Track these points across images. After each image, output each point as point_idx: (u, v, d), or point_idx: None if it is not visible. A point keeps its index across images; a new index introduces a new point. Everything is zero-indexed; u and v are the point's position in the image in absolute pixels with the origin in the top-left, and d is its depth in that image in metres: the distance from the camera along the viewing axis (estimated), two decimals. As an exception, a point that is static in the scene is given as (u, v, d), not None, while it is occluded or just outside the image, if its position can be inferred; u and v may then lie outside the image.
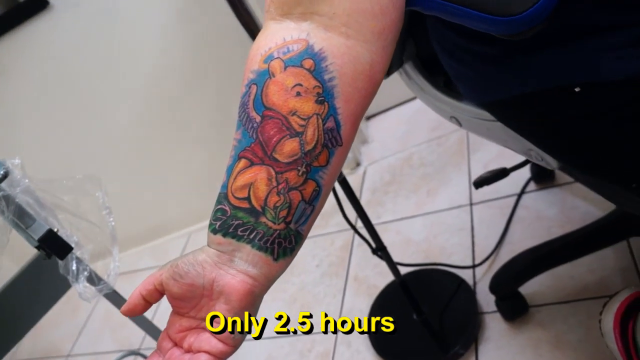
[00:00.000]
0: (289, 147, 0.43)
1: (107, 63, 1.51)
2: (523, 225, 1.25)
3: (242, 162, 0.44)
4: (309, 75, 0.43)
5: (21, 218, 0.73)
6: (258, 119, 0.44)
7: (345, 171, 1.71)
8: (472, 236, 1.29)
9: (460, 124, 0.83)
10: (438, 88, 0.85)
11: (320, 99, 0.43)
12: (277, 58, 0.44)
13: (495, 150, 1.44)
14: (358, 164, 1.72)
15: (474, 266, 1.22)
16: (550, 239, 1.07)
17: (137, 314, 0.50)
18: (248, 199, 0.44)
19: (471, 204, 1.37)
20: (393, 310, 1.22)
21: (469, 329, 1.09)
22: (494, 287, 1.09)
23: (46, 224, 0.74)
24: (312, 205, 0.45)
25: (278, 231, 0.44)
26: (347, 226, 1.52)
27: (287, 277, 1.47)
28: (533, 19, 0.45)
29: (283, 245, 0.45)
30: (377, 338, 1.19)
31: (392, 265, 1.11)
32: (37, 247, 0.73)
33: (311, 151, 0.43)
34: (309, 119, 0.43)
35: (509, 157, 1.39)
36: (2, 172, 0.67)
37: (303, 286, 1.44)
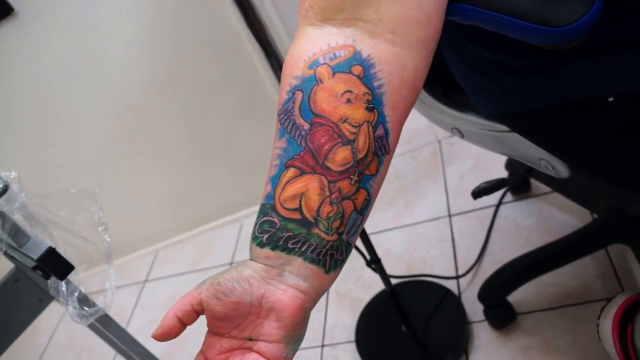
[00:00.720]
0: (341, 155, 0.42)
1: (73, 74, 1.45)
2: (503, 235, 1.28)
3: (291, 172, 0.42)
4: (358, 81, 0.42)
5: (16, 236, 0.68)
6: (306, 126, 0.42)
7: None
8: (454, 247, 1.31)
9: (462, 135, 0.84)
10: (438, 99, 0.86)
11: (370, 106, 0.42)
12: (323, 64, 0.42)
13: (471, 162, 1.48)
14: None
15: (457, 277, 1.24)
16: (535, 248, 1.10)
17: (171, 338, 0.46)
18: (299, 209, 0.42)
19: (450, 216, 1.39)
20: (380, 323, 1.22)
21: (459, 339, 1.10)
22: (483, 296, 1.10)
23: (42, 242, 0.69)
24: (362, 215, 0.44)
25: (331, 242, 0.42)
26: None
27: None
28: (581, 30, 0.46)
29: (335, 257, 0.43)
30: (365, 352, 1.18)
31: (385, 278, 1.10)
32: (35, 267, 0.68)
33: (363, 159, 0.42)
34: (360, 127, 0.42)
35: (485, 169, 1.44)
36: (1, 186, 0.62)
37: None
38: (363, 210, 0.44)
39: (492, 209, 1.34)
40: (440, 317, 1.17)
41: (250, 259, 0.44)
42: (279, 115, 0.44)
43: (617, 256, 1.11)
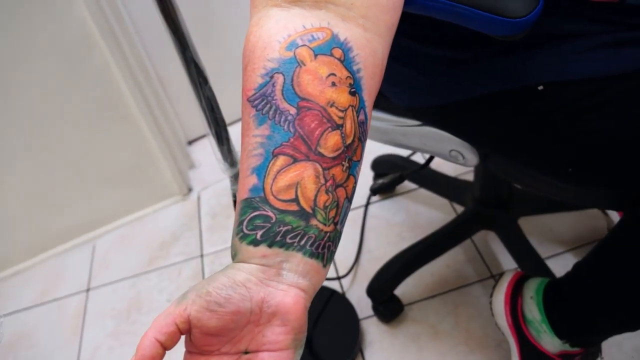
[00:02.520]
0: (332, 141, 0.40)
1: None
2: (376, 234, 1.34)
3: (281, 160, 0.39)
4: (340, 65, 0.41)
5: None
6: (293, 110, 0.40)
7: (176, 197, 1.61)
8: (332, 249, 1.34)
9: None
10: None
11: (352, 90, 0.41)
12: (303, 45, 0.41)
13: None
14: (190, 190, 1.64)
15: (339, 277, 1.26)
16: (414, 243, 1.17)
17: None
18: (296, 200, 0.39)
19: (323, 219, 1.42)
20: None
21: (353, 338, 1.12)
22: (373, 293, 1.14)
23: None
24: (350, 203, 0.43)
25: (328, 233, 0.40)
26: (194, 254, 1.44)
27: (134, 316, 1.32)
28: (532, 22, 0.51)
29: (331, 249, 0.41)
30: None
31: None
32: None
33: (351, 145, 0.41)
34: (346, 111, 0.41)
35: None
36: None
37: (156, 325, 1.30)
38: (351, 198, 0.42)
39: (362, 210, 1.39)
40: (329, 319, 1.18)
41: (240, 261, 0.40)
42: (251, 100, 0.41)
43: (480, 242, 1.23)
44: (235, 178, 0.81)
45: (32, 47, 1.25)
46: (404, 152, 1.37)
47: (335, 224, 0.41)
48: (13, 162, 1.36)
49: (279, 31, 0.41)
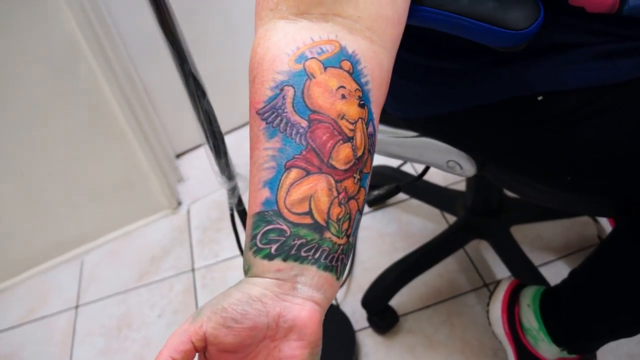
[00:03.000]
0: (343, 153, 0.40)
1: None
2: (369, 245, 1.34)
3: (294, 172, 0.40)
4: (349, 77, 0.41)
5: None
6: (304, 123, 0.40)
7: (166, 211, 1.60)
8: (324, 260, 1.33)
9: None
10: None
11: (361, 102, 0.42)
12: (312, 58, 0.41)
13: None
14: (179, 204, 1.63)
15: (333, 289, 1.26)
16: (407, 254, 1.17)
17: None
18: (310, 213, 0.39)
19: (315, 230, 1.41)
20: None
21: (350, 351, 1.12)
22: (368, 304, 1.14)
23: None
24: (361, 215, 0.43)
25: (342, 246, 0.40)
26: (185, 268, 1.43)
27: (125, 332, 1.30)
28: (533, 33, 0.52)
29: (344, 261, 0.41)
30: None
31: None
32: None
33: (361, 157, 0.41)
34: (356, 123, 0.41)
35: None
36: None
37: (148, 341, 1.28)
38: (362, 210, 0.42)
39: (355, 221, 1.39)
40: (324, 332, 1.17)
41: (253, 275, 0.40)
42: (261, 113, 0.41)
43: (473, 251, 1.24)
44: (232, 191, 0.81)
45: (18, 61, 1.23)
46: (394, 163, 1.38)
47: (348, 236, 0.41)
48: (-1, 179, 1.34)
49: (287, 44, 0.41)
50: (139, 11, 1.45)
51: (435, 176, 1.36)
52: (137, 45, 1.49)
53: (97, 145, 1.41)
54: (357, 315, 1.19)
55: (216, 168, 0.79)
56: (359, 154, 0.41)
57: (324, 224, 0.39)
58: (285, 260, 0.38)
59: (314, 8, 0.42)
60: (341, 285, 1.24)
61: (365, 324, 1.17)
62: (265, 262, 0.39)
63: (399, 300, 1.18)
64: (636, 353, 1.01)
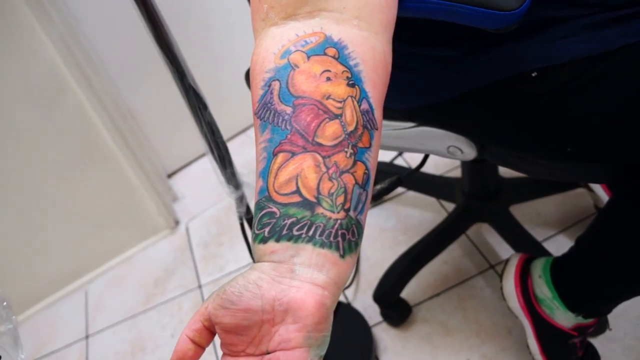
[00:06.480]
0: (330, 130, 0.40)
1: None
2: (371, 241, 1.36)
3: (281, 157, 0.40)
4: (335, 61, 0.42)
5: None
6: (289, 109, 0.41)
7: (164, 232, 1.60)
8: (330, 261, 1.34)
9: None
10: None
11: (350, 82, 0.42)
12: (296, 51, 0.42)
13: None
14: (177, 223, 1.63)
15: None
16: (413, 245, 1.19)
17: None
18: (297, 191, 0.39)
19: (317, 233, 1.42)
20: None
21: (367, 347, 1.13)
22: (380, 298, 1.15)
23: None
24: (366, 190, 0.41)
25: (339, 221, 0.39)
26: (191, 286, 1.43)
27: (139, 356, 1.29)
28: (523, 12, 0.54)
29: (347, 237, 0.39)
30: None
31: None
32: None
33: (354, 132, 0.41)
34: (345, 101, 0.41)
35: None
36: None
37: (164, 362, 1.28)
38: (365, 185, 0.41)
39: (354, 219, 1.41)
40: (339, 331, 1.18)
41: (256, 262, 0.40)
42: (256, 113, 0.42)
43: (474, 235, 1.26)
44: (240, 200, 0.81)
45: (3, 97, 1.23)
46: (386, 158, 1.40)
47: (346, 210, 0.39)
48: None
49: (274, 44, 0.43)
50: (117, 36, 1.45)
51: (429, 166, 1.38)
52: (119, 70, 1.50)
53: (90, 173, 1.40)
54: (369, 311, 1.20)
55: (222, 178, 0.79)
56: (350, 129, 0.41)
57: (315, 200, 0.39)
58: (278, 241, 0.38)
59: (299, 8, 0.43)
60: (349, 285, 1.26)
61: (379, 318, 1.18)
62: (261, 246, 0.39)
63: (409, 292, 1.20)
64: (645, 314, 1.04)
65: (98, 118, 1.33)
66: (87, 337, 1.38)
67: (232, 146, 1.48)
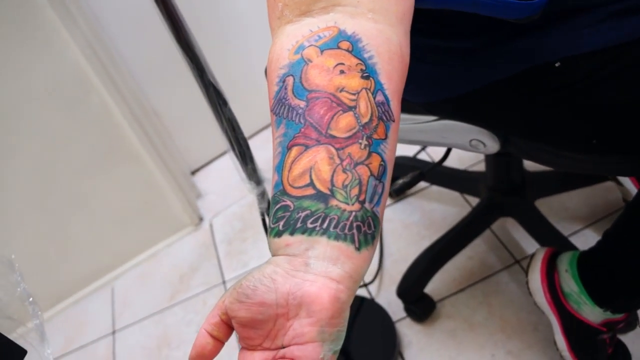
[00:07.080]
0: (344, 122, 0.40)
1: None
2: (395, 236, 1.35)
3: (295, 150, 0.40)
4: (348, 54, 0.42)
5: None
6: (302, 104, 0.40)
7: (188, 228, 1.61)
8: (353, 257, 1.34)
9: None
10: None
11: (365, 74, 0.41)
12: (310, 46, 0.42)
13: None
14: (201, 219, 1.64)
15: (365, 285, 1.27)
16: (436, 239, 1.18)
17: (209, 358, 0.40)
18: (311, 184, 0.39)
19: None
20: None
21: (391, 342, 1.12)
22: (403, 293, 1.14)
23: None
24: (382, 182, 0.41)
25: (354, 213, 0.38)
26: (216, 282, 1.44)
27: (165, 352, 1.31)
28: (543, 3, 0.53)
29: (362, 229, 0.38)
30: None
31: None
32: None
33: (368, 123, 0.40)
34: (359, 93, 0.41)
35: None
36: None
37: (189, 357, 1.29)
38: (381, 177, 0.40)
39: (377, 215, 1.40)
40: (363, 327, 1.18)
41: (272, 255, 0.40)
42: (272, 109, 0.42)
43: (499, 230, 1.25)
44: (262, 196, 0.82)
45: (29, 98, 1.25)
46: (410, 152, 1.39)
47: (362, 202, 0.39)
48: (22, 214, 1.36)
49: (288, 41, 0.43)
50: (139, 36, 1.47)
51: (452, 160, 1.36)
52: (142, 70, 1.51)
53: (115, 171, 1.42)
54: (393, 307, 1.19)
55: (243, 175, 0.80)
56: (364, 120, 0.40)
57: (329, 192, 0.38)
58: (292, 234, 0.38)
59: (313, 5, 0.43)
60: (373, 280, 1.26)
61: (403, 314, 1.17)
62: (276, 239, 0.39)
63: (433, 287, 1.19)
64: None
65: (122, 117, 1.35)
66: (114, 332, 1.41)
67: (255, 142, 1.50)
